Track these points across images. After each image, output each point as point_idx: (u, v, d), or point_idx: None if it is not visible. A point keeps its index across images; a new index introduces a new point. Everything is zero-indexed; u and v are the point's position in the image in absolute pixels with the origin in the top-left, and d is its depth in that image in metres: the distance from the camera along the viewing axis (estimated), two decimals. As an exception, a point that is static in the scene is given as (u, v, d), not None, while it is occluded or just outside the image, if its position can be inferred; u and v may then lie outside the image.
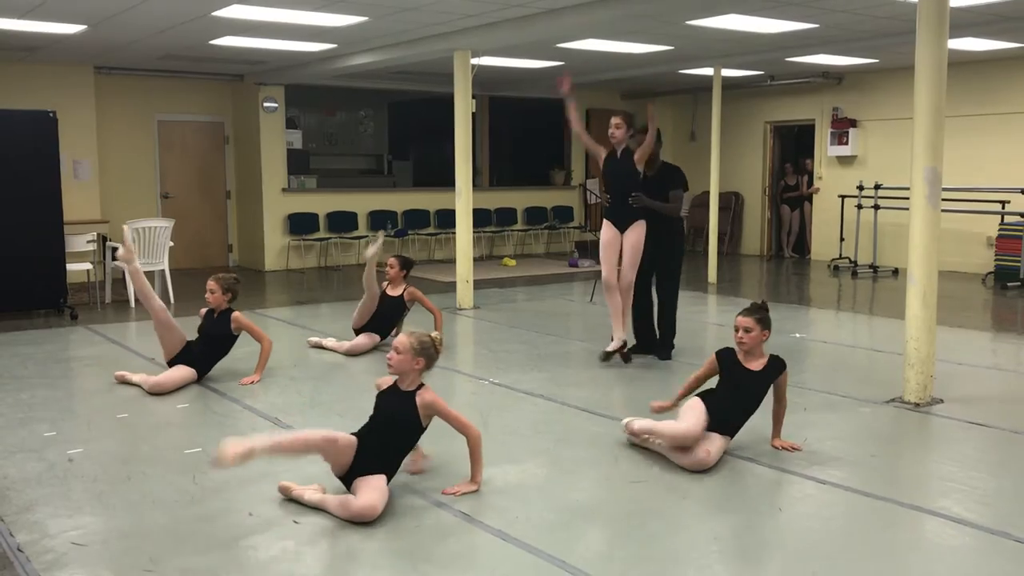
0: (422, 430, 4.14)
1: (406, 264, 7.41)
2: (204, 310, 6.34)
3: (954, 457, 4.72)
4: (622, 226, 6.53)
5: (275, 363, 6.87)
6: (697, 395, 4.65)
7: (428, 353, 4.09)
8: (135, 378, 6.10)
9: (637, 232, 6.51)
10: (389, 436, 4.08)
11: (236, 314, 6.23)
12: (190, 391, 6.01)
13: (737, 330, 4.60)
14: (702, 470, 4.37)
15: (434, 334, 4.17)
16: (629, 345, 6.78)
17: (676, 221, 6.93)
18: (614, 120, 6.53)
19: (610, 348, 6.62)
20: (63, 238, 9.08)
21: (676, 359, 6.91)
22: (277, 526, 3.78)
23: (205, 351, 6.23)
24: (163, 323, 6.13)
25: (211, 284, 6.20)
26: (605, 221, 6.64)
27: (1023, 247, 10.83)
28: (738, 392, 4.60)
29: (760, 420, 4.77)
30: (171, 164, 13.03)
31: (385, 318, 7.29)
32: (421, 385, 4.10)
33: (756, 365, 4.61)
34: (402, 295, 7.31)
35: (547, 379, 6.31)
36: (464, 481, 4.15)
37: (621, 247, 6.56)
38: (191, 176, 13.26)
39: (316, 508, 3.90)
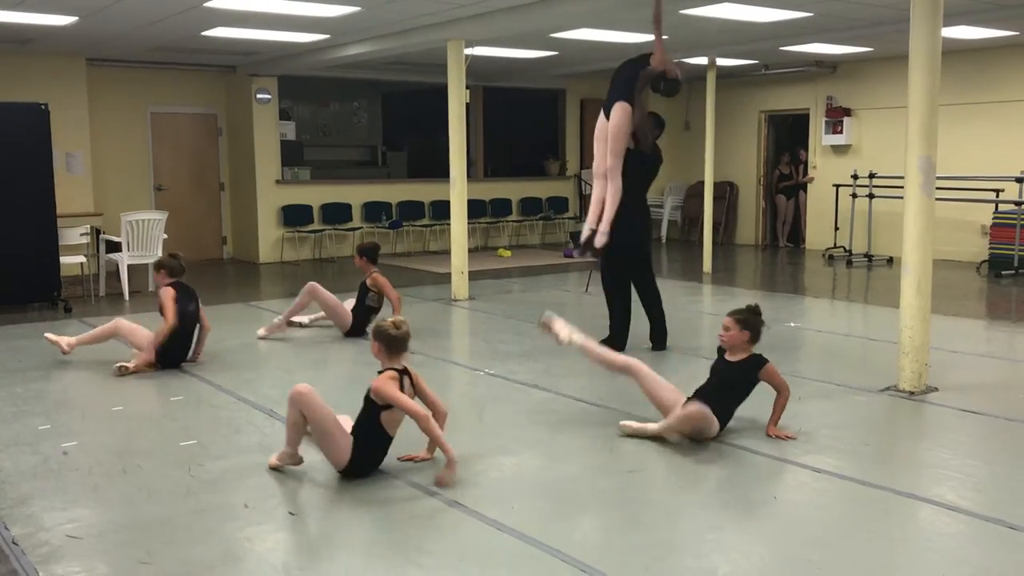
0: (377, 408, 4.12)
1: (362, 252, 7.54)
2: None
3: (948, 445, 4.73)
4: (607, 110, 6.56)
5: (270, 355, 6.88)
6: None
7: (381, 336, 4.19)
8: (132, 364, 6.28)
9: (615, 115, 6.49)
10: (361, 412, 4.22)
11: (159, 291, 6.39)
12: (186, 384, 6.01)
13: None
14: (705, 430, 4.52)
15: (394, 316, 4.34)
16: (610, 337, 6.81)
17: (634, 232, 6.86)
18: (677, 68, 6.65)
19: (582, 239, 6.71)
20: (56, 231, 9.05)
21: (670, 350, 6.92)
22: (273, 518, 3.78)
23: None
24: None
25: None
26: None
27: (1017, 235, 10.84)
28: (718, 381, 4.78)
29: (758, 411, 4.79)
30: (164, 156, 12.98)
31: (355, 306, 7.51)
32: (387, 369, 4.16)
33: (736, 358, 4.78)
34: (365, 281, 7.48)
35: (542, 370, 6.32)
36: (443, 467, 4.14)
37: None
38: (184, 168, 13.21)
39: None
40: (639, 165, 6.72)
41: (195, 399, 5.65)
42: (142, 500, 3.96)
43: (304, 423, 4.11)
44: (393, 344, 4.17)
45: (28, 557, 3.38)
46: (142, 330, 6.42)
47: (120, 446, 4.75)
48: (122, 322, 6.51)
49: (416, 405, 4.11)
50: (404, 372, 4.17)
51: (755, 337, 4.77)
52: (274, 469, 4.25)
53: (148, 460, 4.49)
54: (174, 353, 6.33)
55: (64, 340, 6.59)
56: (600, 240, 6.53)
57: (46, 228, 8.94)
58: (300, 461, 4.23)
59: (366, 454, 4.15)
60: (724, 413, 4.69)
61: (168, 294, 6.27)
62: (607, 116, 6.53)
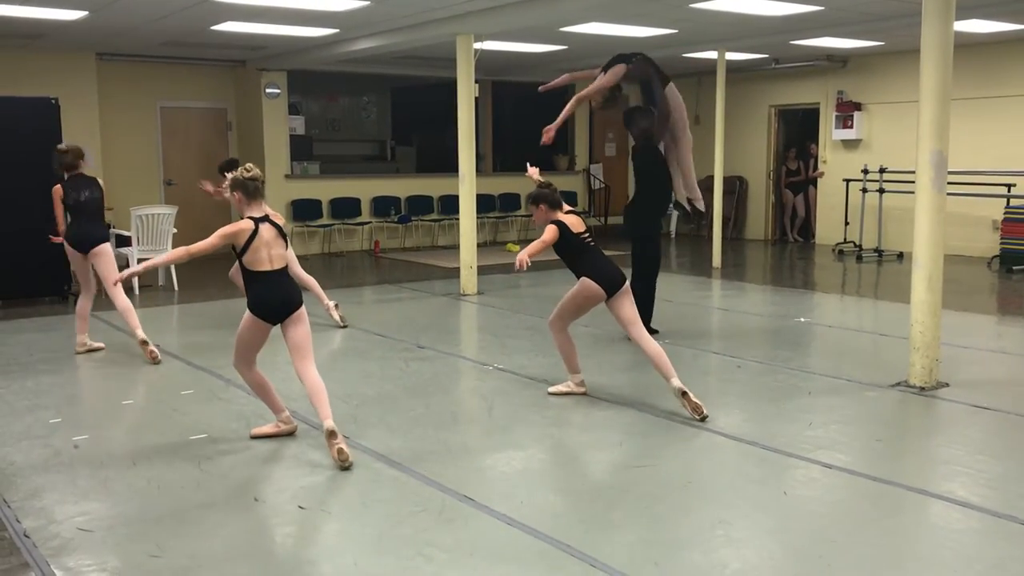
0: (238, 255, 4.43)
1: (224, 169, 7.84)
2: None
3: (959, 441, 4.71)
4: None
5: (280, 349, 6.88)
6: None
7: (237, 185, 4.42)
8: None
9: None
10: None
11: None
12: (196, 378, 6.03)
13: None
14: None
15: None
16: None
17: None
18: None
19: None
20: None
21: (680, 343, 6.90)
22: (282, 512, 3.79)
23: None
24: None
25: None
26: None
27: (1029, 230, 10.79)
28: None
29: (764, 410, 4.78)
30: (174, 151, 13.01)
31: None
32: (246, 218, 4.44)
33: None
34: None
35: (551, 364, 6.31)
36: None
37: None
38: (194, 163, 13.22)
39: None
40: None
41: (205, 393, 5.66)
42: (152, 493, 3.98)
43: (261, 380, 4.65)
44: (248, 189, 4.39)
45: (40, 550, 3.40)
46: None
47: (130, 440, 4.77)
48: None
49: (204, 243, 4.30)
50: (262, 220, 4.40)
51: (551, 204, 5.40)
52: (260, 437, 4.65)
53: (158, 453, 4.51)
54: (82, 235, 6.66)
55: (84, 342, 6.77)
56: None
57: (56, 222, 8.94)
58: (293, 428, 4.72)
59: (253, 295, 4.45)
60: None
61: (56, 192, 6.71)
62: None
